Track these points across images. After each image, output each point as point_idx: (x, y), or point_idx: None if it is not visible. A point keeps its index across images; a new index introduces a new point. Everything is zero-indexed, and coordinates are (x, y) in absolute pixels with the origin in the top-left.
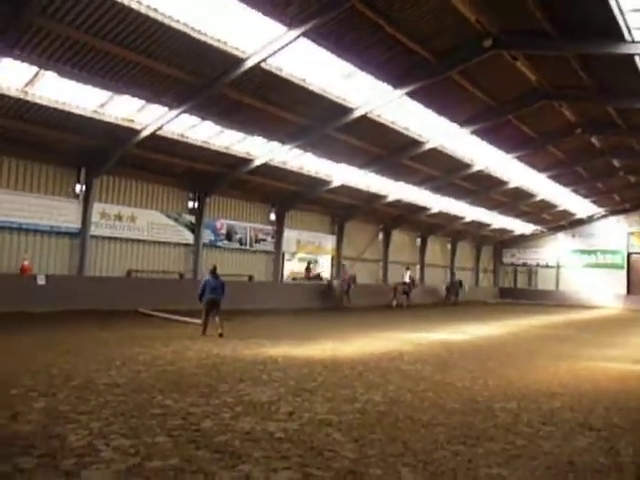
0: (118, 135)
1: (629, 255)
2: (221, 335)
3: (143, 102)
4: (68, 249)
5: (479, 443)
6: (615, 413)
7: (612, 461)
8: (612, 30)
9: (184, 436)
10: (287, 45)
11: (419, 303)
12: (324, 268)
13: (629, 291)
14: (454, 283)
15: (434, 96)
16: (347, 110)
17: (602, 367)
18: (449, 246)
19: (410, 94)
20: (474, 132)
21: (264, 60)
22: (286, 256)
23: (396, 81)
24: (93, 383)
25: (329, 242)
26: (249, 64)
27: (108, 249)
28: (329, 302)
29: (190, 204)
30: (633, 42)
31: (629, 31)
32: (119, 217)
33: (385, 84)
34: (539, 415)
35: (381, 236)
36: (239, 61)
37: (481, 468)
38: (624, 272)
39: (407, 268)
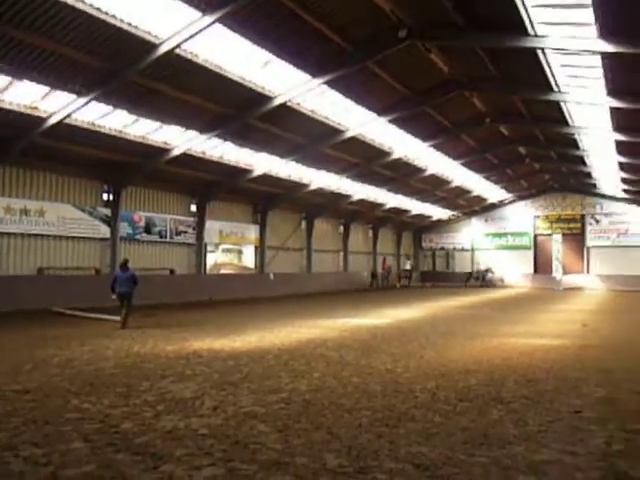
0: (20, 124)
1: (535, 237)
2: (123, 326)
3: (47, 88)
4: None
5: (401, 424)
6: (523, 385)
7: (521, 431)
8: (517, 24)
9: (102, 440)
10: (202, 31)
11: (345, 289)
12: (249, 258)
13: (536, 270)
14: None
15: (352, 85)
16: (266, 99)
17: (513, 343)
18: (371, 233)
19: (329, 83)
20: (392, 121)
21: (178, 46)
22: (209, 247)
23: (314, 70)
24: None
25: (252, 232)
26: (163, 50)
27: (15, 246)
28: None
29: (105, 196)
30: (536, 36)
31: (532, 25)
32: (26, 212)
33: (304, 73)
34: (456, 392)
35: (304, 225)
36: (152, 46)
37: (402, 448)
38: (531, 253)
39: (408, 258)
